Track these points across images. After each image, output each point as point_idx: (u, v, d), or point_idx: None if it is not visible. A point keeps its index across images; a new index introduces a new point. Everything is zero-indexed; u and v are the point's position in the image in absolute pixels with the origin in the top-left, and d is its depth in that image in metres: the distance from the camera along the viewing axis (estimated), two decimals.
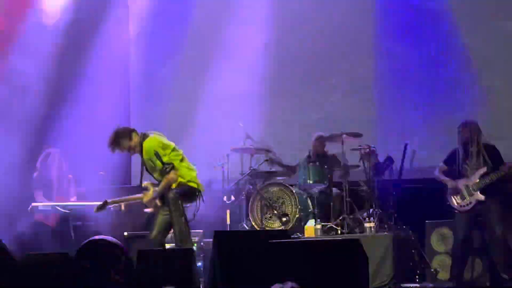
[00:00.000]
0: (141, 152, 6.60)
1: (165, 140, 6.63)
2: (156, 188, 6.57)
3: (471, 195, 6.92)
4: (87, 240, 5.91)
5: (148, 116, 10.02)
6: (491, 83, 8.81)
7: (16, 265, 5.97)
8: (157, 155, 6.46)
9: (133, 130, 6.63)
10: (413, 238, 7.67)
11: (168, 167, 6.46)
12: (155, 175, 6.64)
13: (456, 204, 7.00)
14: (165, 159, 6.48)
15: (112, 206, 6.73)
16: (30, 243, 7.79)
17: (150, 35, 10.20)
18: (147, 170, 6.69)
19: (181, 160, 6.62)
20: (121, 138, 6.53)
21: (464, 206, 6.96)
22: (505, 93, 8.75)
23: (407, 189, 8.04)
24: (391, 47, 9.26)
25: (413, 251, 7.63)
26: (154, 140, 6.55)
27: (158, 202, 6.60)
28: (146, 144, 6.53)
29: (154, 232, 6.55)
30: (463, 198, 6.96)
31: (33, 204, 7.19)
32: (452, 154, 7.19)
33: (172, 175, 6.47)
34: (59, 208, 7.09)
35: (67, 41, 9.22)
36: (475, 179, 6.93)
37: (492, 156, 7.00)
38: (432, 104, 9.00)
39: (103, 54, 9.50)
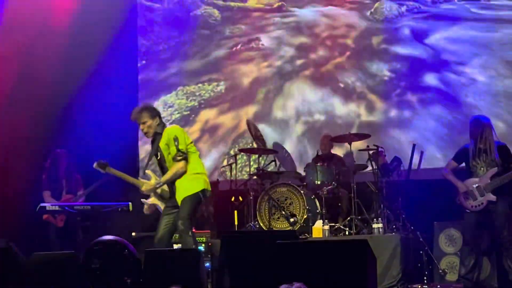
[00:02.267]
0: (153, 140, 6.54)
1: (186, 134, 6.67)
2: (160, 179, 6.48)
3: (482, 195, 6.90)
4: (95, 241, 5.93)
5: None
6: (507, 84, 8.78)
7: (24, 265, 6.00)
8: (176, 139, 6.38)
9: (159, 114, 6.63)
10: (421, 239, 7.64)
11: (181, 156, 6.38)
12: (166, 164, 6.51)
13: (468, 205, 6.97)
14: (181, 147, 6.39)
15: (110, 173, 6.60)
16: (38, 243, 7.81)
17: (159, 35, 10.22)
18: (158, 163, 6.59)
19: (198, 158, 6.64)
20: (145, 111, 6.52)
21: (476, 206, 6.93)
22: None
23: (415, 190, 8.01)
24: (398, 50, 9.27)
25: (421, 252, 7.60)
26: (177, 128, 6.62)
27: (160, 191, 6.54)
28: (169, 129, 6.53)
29: (159, 236, 6.44)
30: (474, 199, 6.93)
31: (41, 204, 7.20)
32: (462, 151, 7.15)
33: (181, 164, 6.37)
34: (67, 209, 7.10)
35: (76, 43, 9.23)
36: (486, 179, 6.90)
37: (501, 154, 6.96)
38: (442, 105, 8.97)
39: (112, 56, 9.54)
